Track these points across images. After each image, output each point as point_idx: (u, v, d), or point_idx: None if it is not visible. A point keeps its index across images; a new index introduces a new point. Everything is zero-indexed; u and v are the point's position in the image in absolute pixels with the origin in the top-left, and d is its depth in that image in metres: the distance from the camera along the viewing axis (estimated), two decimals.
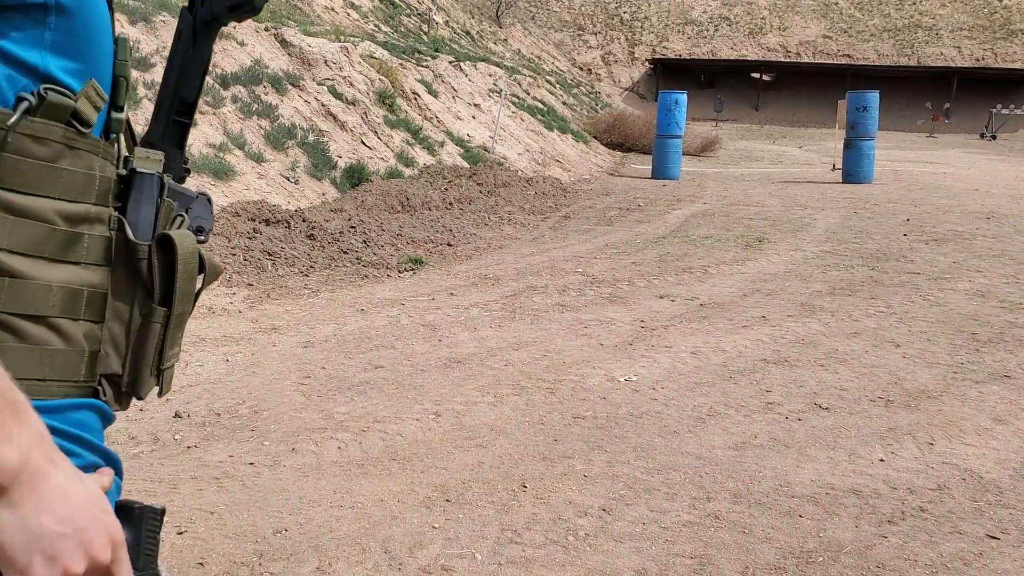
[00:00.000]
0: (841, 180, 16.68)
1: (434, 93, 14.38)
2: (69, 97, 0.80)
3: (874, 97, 16.63)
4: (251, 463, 3.45)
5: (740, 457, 3.68)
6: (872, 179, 16.59)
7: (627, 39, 47.98)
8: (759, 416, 4.17)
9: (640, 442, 3.81)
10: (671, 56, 46.82)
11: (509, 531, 2.99)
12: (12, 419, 0.66)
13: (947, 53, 45.62)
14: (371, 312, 5.92)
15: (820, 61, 46.39)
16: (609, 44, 47.71)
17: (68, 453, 0.78)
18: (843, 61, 45.96)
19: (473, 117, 15.01)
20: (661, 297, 6.60)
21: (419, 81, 14.28)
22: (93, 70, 0.85)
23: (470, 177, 11.72)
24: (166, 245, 0.91)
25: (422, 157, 11.96)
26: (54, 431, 0.78)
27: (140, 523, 0.83)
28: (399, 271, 7.37)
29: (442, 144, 12.72)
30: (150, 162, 0.92)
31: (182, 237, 0.92)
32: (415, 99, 13.48)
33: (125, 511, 0.82)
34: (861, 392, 4.53)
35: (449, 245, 8.53)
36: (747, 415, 4.18)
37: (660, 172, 16.59)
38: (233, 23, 1.05)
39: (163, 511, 0.85)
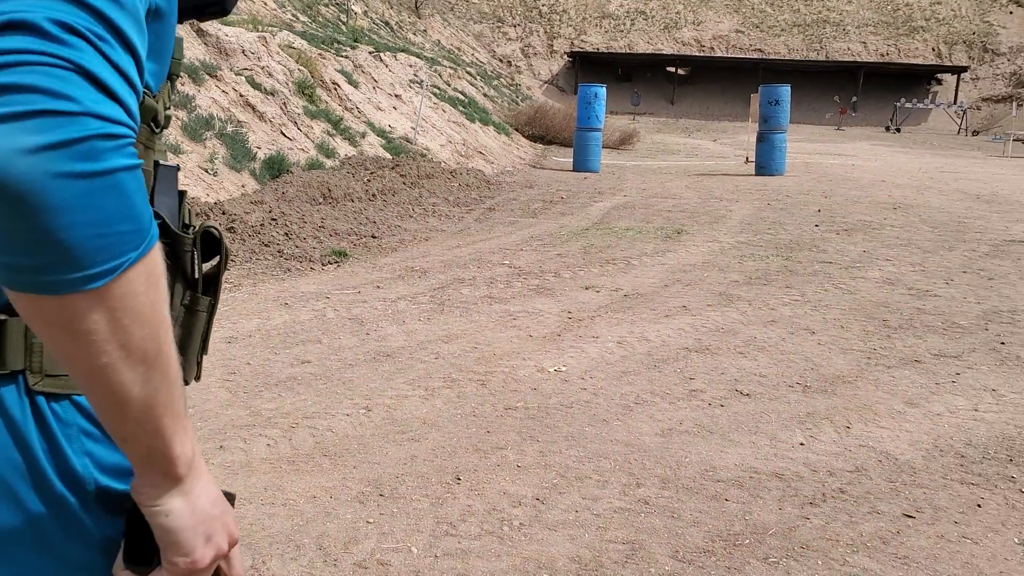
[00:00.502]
0: (754, 172, 17.10)
1: (354, 84, 14.22)
2: (153, 99, 0.83)
3: (785, 91, 17.09)
4: None
5: (667, 443, 3.76)
6: (784, 171, 17.06)
7: (546, 32, 48.21)
8: (684, 403, 4.27)
9: (571, 431, 3.86)
10: (589, 49, 47.25)
11: (444, 523, 3.01)
12: (184, 416, 0.75)
13: (854, 48, 47.16)
14: (295, 306, 5.85)
15: (733, 56, 47.44)
16: (528, 36, 47.87)
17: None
18: (755, 56, 47.09)
19: (394, 108, 14.90)
20: (587, 288, 6.69)
21: (339, 71, 14.10)
22: (165, 71, 0.87)
23: (393, 168, 11.64)
24: (208, 237, 0.93)
25: (343, 148, 11.83)
26: None
27: None
28: (323, 264, 7.29)
29: (363, 135, 12.60)
30: (166, 154, 0.94)
31: (219, 229, 0.95)
32: (335, 89, 13.31)
33: None
34: (780, 378, 4.67)
35: (373, 237, 8.47)
36: (672, 402, 4.28)
37: (581, 165, 16.75)
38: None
39: (234, 497, 0.88)
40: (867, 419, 4.11)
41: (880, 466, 3.58)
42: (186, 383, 0.94)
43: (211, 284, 0.96)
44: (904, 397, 4.42)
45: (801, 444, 3.80)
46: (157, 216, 0.87)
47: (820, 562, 2.82)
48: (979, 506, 3.25)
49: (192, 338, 0.95)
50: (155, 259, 0.67)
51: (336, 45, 15.81)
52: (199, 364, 0.98)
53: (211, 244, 0.94)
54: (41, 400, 0.78)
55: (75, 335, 0.64)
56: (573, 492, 3.27)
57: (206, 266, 0.96)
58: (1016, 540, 3.00)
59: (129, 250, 0.64)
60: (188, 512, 0.76)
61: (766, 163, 16.93)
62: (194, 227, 0.95)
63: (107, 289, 0.63)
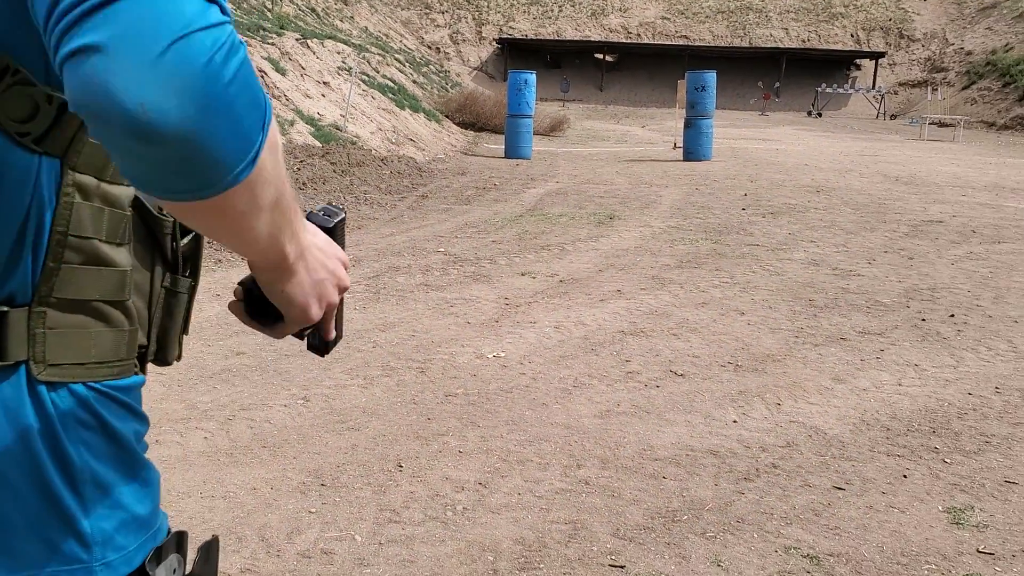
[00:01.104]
0: (682, 158, 17.35)
1: (281, 71, 13.98)
2: None
3: (711, 77, 17.35)
4: None
5: (605, 425, 3.82)
6: (711, 156, 17.34)
7: (474, 18, 48.03)
8: (621, 385, 4.34)
9: (511, 416, 3.89)
10: (518, 36, 47.24)
11: (387, 511, 3.01)
12: (295, 216, 0.79)
13: (776, 35, 48.08)
14: (227, 297, 5.74)
15: (659, 42, 47.94)
16: (457, 23, 47.63)
17: (141, 427, 0.88)
18: (681, 42, 47.66)
19: (323, 95, 14.70)
20: (523, 274, 6.73)
21: (265, 59, 13.85)
22: None
23: (323, 156, 11.50)
24: None
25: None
26: (133, 412, 0.87)
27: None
28: None
29: (292, 123, 12.41)
30: None
31: None
32: (262, 77, 13.07)
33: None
34: (712, 358, 4.78)
35: None
36: (609, 384, 4.34)
37: (513, 151, 16.78)
38: None
39: (186, 535, 0.96)
40: (796, 396, 4.24)
41: (810, 441, 3.70)
42: (168, 363, 0.97)
43: (191, 264, 0.97)
44: (831, 374, 4.57)
45: (734, 422, 3.90)
46: (136, 200, 0.88)
47: (755, 535, 2.90)
48: (905, 476, 3.38)
49: (174, 319, 0.95)
50: (274, 128, 0.70)
51: (262, 32, 15.52)
52: (180, 344, 0.99)
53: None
54: (42, 389, 0.79)
55: (223, 215, 0.69)
56: (515, 475, 3.31)
57: (184, 245, 0.96)
58: (940, 508, 3.14)
59: (259, 134, 0.66)
60: (299, 287, 0.85)
61: (694, 148, 17.19)
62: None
63: (249, 175, 0.66)
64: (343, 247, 0.95)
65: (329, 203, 1.00)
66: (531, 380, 4.37)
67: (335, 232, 0.95)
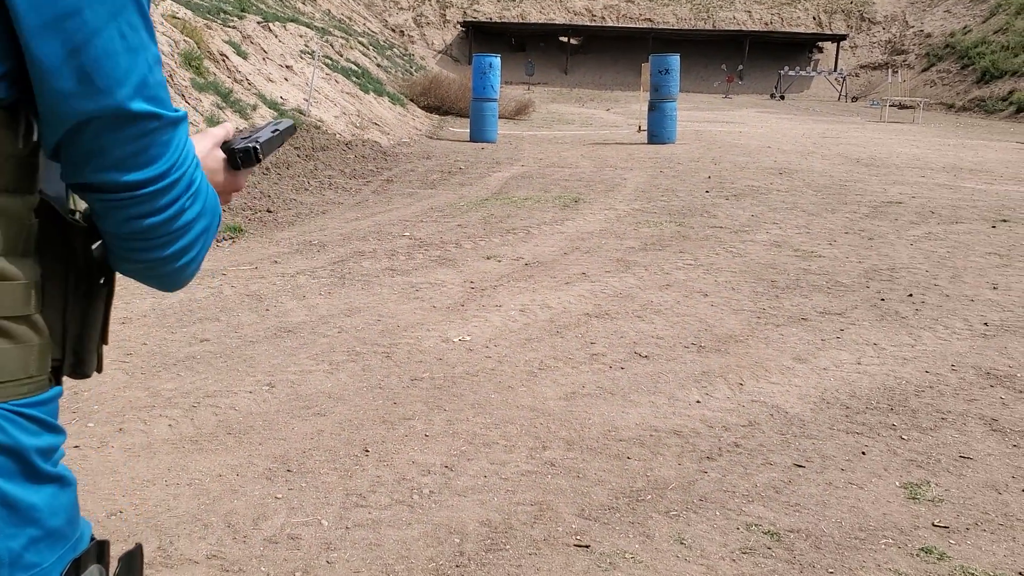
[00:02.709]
0: (647, 141, 17.41)
1: (243, 55, 13.80)
2: None
3: (675, 60, 17.40)
4: (76, 446, 3.28)
5: (571, 407, 3.86)
6: (675, 139, 17.42)
7: (438, 1, 47.70)
8: (585, 367, 4.37)
9: (477, 399, 3.91)
10: (482, 19, 47.01)
11: (354, 495, 3.02)
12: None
13: (739, 17, 48.30)
14: (191, 284, 5.69)
15: (624, 25, 47.97)
16: (420, 6, 47.27)
17: (55, 439, 0.86)
18: (645, 25, 47.72)
19: (286, 79, 14.53)
20: (488, 258, 6.73)
21: (226, 42, 13.65)
22: None
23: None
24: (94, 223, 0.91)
25: (234, 121, 11.50)
26: (46, 425, 0.85)
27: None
28: (217, 240, 7.11)
29: (255, 107, 12.26)
30: None
31: None
32: (223, 61, 12.89)
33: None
34: (676, 340, 4.83)
35: (269, 212, 8.30)
36: (575, 367, 4.37)
37: (478, 135, 16.73)
38: None
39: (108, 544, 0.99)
40: (759, 375, 4.30)
41: (771, 420, 3.76)
42: (86, 375, 0.94)
43: (104, 270, 0.93)
44: (792, 353, 4.64)
45: (697, 402, 3.95)
46: (44, 203, 0.86)
47: (718, 513, 2.95)
48: (863, 454, 3.45)
49: (91, 327, 0.93)
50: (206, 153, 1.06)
51: (223, 15, 15.30)
52: (99, 355, 0.96)
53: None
54: None
55: None
56: (481, 458, 3.33)
57: (96, 249, 0.93)
58: (898, 483, 3.21)
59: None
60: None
61: (658, 131, 17.25)
62: (79, 211, 0.92)
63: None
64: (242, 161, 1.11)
65: (251, 145, 1.11)
66: (497, 363, 4.39)
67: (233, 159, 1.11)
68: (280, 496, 3.00)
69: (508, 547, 2.72)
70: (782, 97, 42.23)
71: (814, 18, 48.15)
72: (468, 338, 4.77)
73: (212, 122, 10.95)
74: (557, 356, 4.53)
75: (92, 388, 3.87)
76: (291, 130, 1.21)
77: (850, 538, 2.82)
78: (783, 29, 47.38)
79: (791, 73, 43.14)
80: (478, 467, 3.26)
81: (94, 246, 0.91)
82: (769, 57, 46.75)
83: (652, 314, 5.31)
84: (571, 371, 4.32)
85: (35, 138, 0.80)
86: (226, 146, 1.10)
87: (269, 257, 6.59)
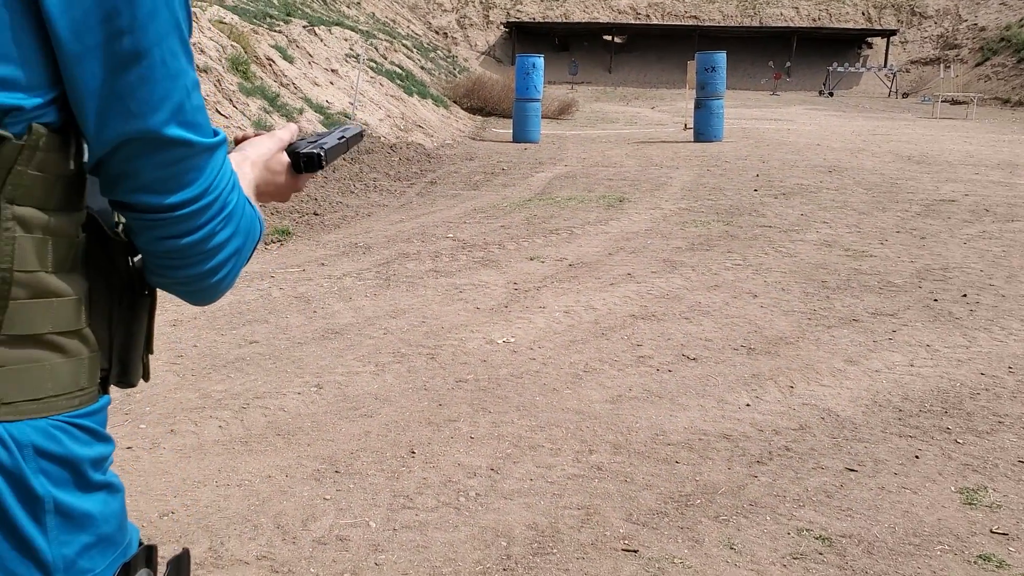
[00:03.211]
0: (693, 139, 17.26)
1: (289, 59, 13.97)
2: None
3: (721, 57, 17.23)
4: (129, 447, 3.34)
5: (617, 410, 3.83)
6: (722, 137, 17.24)
7: (481, 2, 47.81)
8: (632, 369, 4.34)
9: (522, 401, 3.90)
10: (525, 19, 47.01)
11: (401, 497, 3.03)
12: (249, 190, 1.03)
13: (786, 14, 47.69)
14: (240, 286, 5.78)
15: (668, 23, 47.63)
16: (464, 7, 47.42)
17: (105, 449, 0.89)
18: (690, 22, 47.34)
19: (331, 83, 14.68)
20: (531, 259, 6.72)
21: (273, 47, 13.83)
22: None
23: None
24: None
25: (281, 125, 11.64)
26: (96, 435, 0.87)
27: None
28: (265, 243, 7.20)
29: (301, 111, 12.40)
30: None
31: None
32: (270, 65, 13.06)
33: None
34: (725, 342, 4.78)
35: (315, 215, 8.38)
36: (621, 369, 4.35)
37: (521, 135, 16.73)
38: None
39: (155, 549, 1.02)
40: (809, 378, 4.23)
41: (823, 423, 3.70)
42: (132, 385, 0.96)
43: (147, 282, 0.95)
44: (844, 355, 4.56)
45: (747, 405, 3.90)
46: (89, 218, 0.87)
47: (769, 518, 2.91)
48: (917, 457, 3.38)
49: (135, 337, 0.94)
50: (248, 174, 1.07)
51: (269, 19, 15.50)
52: (145, 364, 0.98)
53: None
54: None
55: None
56: (527, 461, 3.32)
57: (138, 262, 0.95)
58: (953, 488, 3.13)
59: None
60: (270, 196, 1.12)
61: (704, 129, 17.10)
62: (122, 223, 0.93)
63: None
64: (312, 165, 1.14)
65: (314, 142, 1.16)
66: (541, 365, 4.38)
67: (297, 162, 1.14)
68: (328, 497, 3.02)
69: (555, 551, 2.71)
70: (831, 94, 41.59)
71: (863, 13, 47.37)
72: (512, 340, 4.77)
73: (259, 127, 11.10)
74: (603, 358, 4.50)
75: (144, 390, 3.94)
76: (359, 137, 1.23)
77: (904, 544, 2.76)
78: (831, 25, 46.66)
79: (840, 69, 42.46)
80: (524, 470, 3.25)
81: (136, 259, 0.93)
82: (817, 53, 46.07)
83: (700, 316, 5.26)
84: (617, 374, 4.29)
85: (84, 159, 0.82)
86: (290, 149, 1.11)
87: (316, 259, 6.65)
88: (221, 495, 3.02)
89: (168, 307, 5.22)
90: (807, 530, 2.83)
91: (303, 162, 1.10)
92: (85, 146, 0.82)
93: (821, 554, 2.69)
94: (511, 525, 2.85)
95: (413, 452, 3.38)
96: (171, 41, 0.81)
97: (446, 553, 2.68)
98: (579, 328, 5.00)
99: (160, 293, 0.98)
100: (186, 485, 3.08)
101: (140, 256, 0.94)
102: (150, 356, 0.99)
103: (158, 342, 4.59)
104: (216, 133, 0.87)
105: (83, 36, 0.76)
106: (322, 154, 1.11)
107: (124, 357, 0.93)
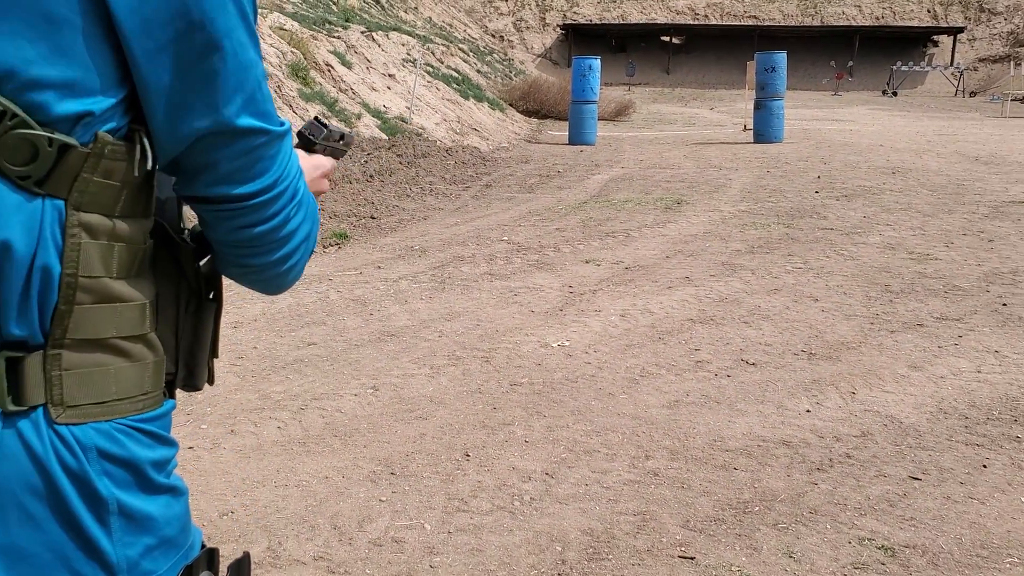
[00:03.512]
0: (752, 140, 17.05)
1: (348, 64, 14.15)
2: None
3: (782, 58, 16.99)
4: (190, 447, 3.41)
5: (674, 415, 3.79)
6: (782, 138, 17.00)
7: (537, 5, 47.87)
8: (689, 374, 4.29)
9: (577, 405, 3.89)
10: (582, 21, 46.94)
11: (456, 500, 3.04)
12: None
13: (848, 13, 46.84)
14: (299, 289, 5.86)
15: (727, 23, 47.12)
16: (520, 10, 47.53)
17: (168, 452, 0.90)
18: (750, 22, 46.77)
19: (388, 88, 14.83)
20: (587, 262, 6.70)
21: (332, 52, 14.02)
22: None
23: (389, 149, 11.61)
24: (203, 242, 0.95)
25: None
26: (160, 439, 0.88)
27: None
28: (324, 246, 7.29)
29: (359, 116, 12.55)
30: None
31: None
32: (328, 71, 13.24)
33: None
34: (785, 346, 4.69)
35: (372, 218, 8.47)
36: (678, 374, 4.30)
37: (577, 138, 16.70)
38: None
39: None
40: (872, 384, 4.14)
41: (885, 430, 3.61)
42: (197, 388, 0.98)
43: (213, 286, 0.97)
44: (908, 361, 4.45)
45: (807, 411, 3.83)
46: (156, 223, 0.89)
47: (829, 526, 2.85)
48: (984, 466, 3.27)
49: (201, 341, 0.96)
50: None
51: (328, 25, 15.71)
52: (210, 368, 0.99)
53: (206, 243, 0.95)
54: (63, 429, 0.79)
55: None
56: (582, 466, 3.30)
57: (203, 266, 0.96)
58: (1023, 499, 3.03)
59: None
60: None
61: (764, 130, 16.87)
62: (188, 229, 0.96)
63: None
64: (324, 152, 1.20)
65: (316, 119, 1.20)
66: (597, 369, 4.35)
67: (313, 149, 1.18)
68: (384, 499, 3.04)
69: (611, 557, 2.68)
70: (894, 94, 40.70)
71: (928, 11, 46.28)
72: (567, 343, 4.75)
73: None
74: (659, 363, 4.46)
75: (206, 391, 4.01)
76: (348, 142, 1.26)
77: (971, 556, 2.68)
78: (895, 23, 45.71)
79: (904, 68, 41.55)
80: (579, 475, 3.23)
81: (201, 263, 0.95)
82: (880, 52, 45.16)
83: (759, 320, 5.18)
84: (674, 378, 4.24)
85: (149, 166, 0.83)
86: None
87: (373, 262, 6.71)
88: (279, 495, 3.06)
89: (230, 309, 5.31)
90: (869, 539, 2.77)
91: (298, 136, 1.16)
92: (150, 154, 0.83)
93: (884, 564, 2.63)
94: (566, 530, 2.84)
95: (467, 455, 3.39)
96: (240, 33, 0.82)
97: (500, 557, 2.68)
98: (635, 332, 4.97)
99: (224, 297, 0.99)
100: (246, 485, 3.13)
101: (205, 260, 0.95)
102: (215, 360, 1.00)
103: (221, 344, 4.67)
104: (283, 123, 0.89)
105: (153, 34, 0.77)
106: (318, 129, 1.18)
107: (190, 361, 0.95)
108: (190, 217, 0.97)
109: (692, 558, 2.67)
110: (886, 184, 10.82)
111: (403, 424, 3.68)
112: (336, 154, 1.22)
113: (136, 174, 0.81)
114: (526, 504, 3.01)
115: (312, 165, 1.14)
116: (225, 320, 5.09)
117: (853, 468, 3.27)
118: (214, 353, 0.99)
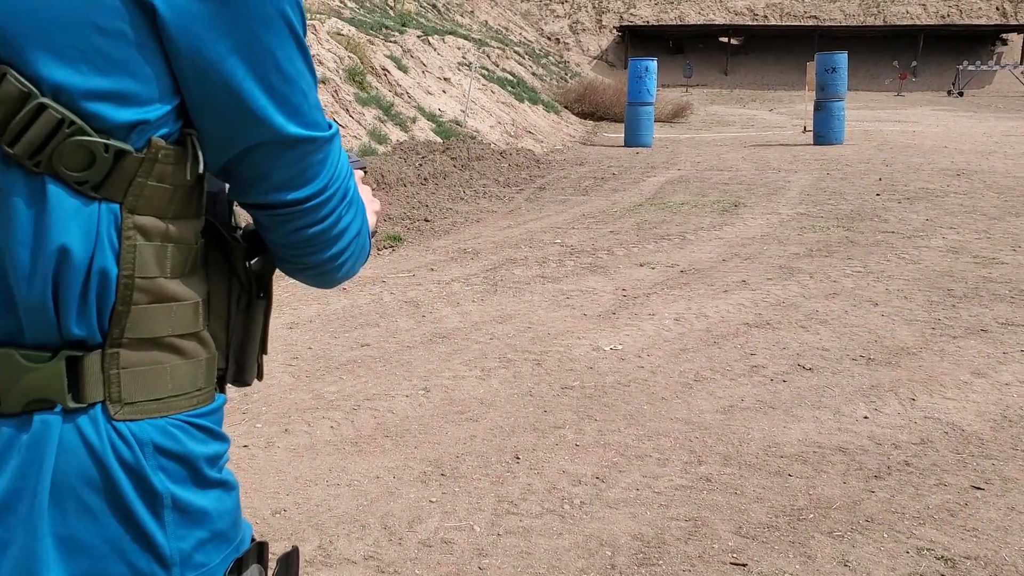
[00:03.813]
0: (812, 142, 16.78)
1: (404, 68, 14.27)
2: None
3: (842, 58, 16.69)
4: (245, 445, 3.46)
5: (728, 420, 3.74)
6: (843, 140, 16.70)
7: (594, 7, 47.73)
8: (744, 379, 4.23)
9: (629, 410, 3.85)
10: (639, 23, 46.67)
11: (505, 502, 3.03)
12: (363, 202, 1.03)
13: (912, 11, 45.81)
14: (353, 291, 5.92)
15: (787, 23, 46.44)
16: (576, 13, 47.46)
17: (220, 447, 0.92)
18: (810, 23, 46.02)
19: (444, 91, 14.92)
20: (641, 265, 6.65)
21: (388, 57, 14.16)
22: None
23: (443, 152, 11.67)
24: (255, 237, 0.97)
25: (395, 134, 11.90)
26: (212, 434, 0.90)
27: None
28: (378, 249, 7.36)
29: (414, 120, 12.65)
30: None
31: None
32: (385, 75, 13.38)
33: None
34: (843, 351, 4.60)
35: (426, 221, 8.52)
36: (733, 379, 4.24)
37: (632, 140, 16.60)
38: None
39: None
40: (932, 390, 4.03)
41: (946, 438, 3.51)
42: (247, 384, 1.00)
43: (263, 284, 0.99)
44: (970, 367, 4.32)
45: (865, 417, 3.74)
46: (208, 223, 0.91)
47: (886, 535, 2.78)
48: None
49: (251, 340, 0.98)
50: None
51: (384, 30, 15.87)
52: (259, 364, 1.01)
53: (257, 241, 0.97)
54: (120, 425, 0.82)
55: None
56: (633, 470, 3.27)
57: (254, 264, 0.98)
58: None
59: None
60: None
61: (824, 132, 16.59)
62: (241, 228, 0.98)
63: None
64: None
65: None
66: (649, 374, 4.31)
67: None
68: (434, 500, 3.05)
69: (661, 562, 2.65)
70: (960, 94, 39.67)
71: (997, 8, 45.02)
72: (619, 347, 4.72)
73: (375, 135, 11.39)
74: (714, 367, 4.40)
75: (261, 390, 4.07)
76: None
77: None
78: (962, 22, 44.55)
79: (970, 68, 40.47)
80: (630, 479, 3.20)
81: (252, 261, 0.97)
82: (946, 52, 44.06)
83: (817, 324, 5.09)
84: (729, 383, 4.19)
85: (201, 170, 0.85)
86: None
87: (426, 265, 6.75)
88: (331, 494, 3.09)
89: (285, 310, 5.39)
90: (928, 550, 2.69)
91: None
92: (202, 158, 0.84)
93: (943, 575, 2.55)
94: (616, 534, 2.82)
95: (518, 458, 3.38)
96: (287, 47, 0.84)
97: (550, 560, 2.67)
98: (690, 336, 4.91)
99: (275, 295, 1.01)
100: (298, 484, 3.17)
101: (256, 259, 0.98)
102: (264, 356, 1.02)
103: (276, 344, 4.75)
104: (330, 126, 0.90)
105: (202, 51, 0.79)
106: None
107: (240, 358, 0.97)
108: (244, 216, 0.99)
109: (744, 565, 2.63)
110: (950, 186, 10.55)
111: (454, 426, 3.69)
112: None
113: (188, 177, 0.83)
114: (576, 508, 2.99)
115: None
116: (281, 321, 5.16)
117: (912, 476, 3.19)
118: (263, 349, 1.01)
